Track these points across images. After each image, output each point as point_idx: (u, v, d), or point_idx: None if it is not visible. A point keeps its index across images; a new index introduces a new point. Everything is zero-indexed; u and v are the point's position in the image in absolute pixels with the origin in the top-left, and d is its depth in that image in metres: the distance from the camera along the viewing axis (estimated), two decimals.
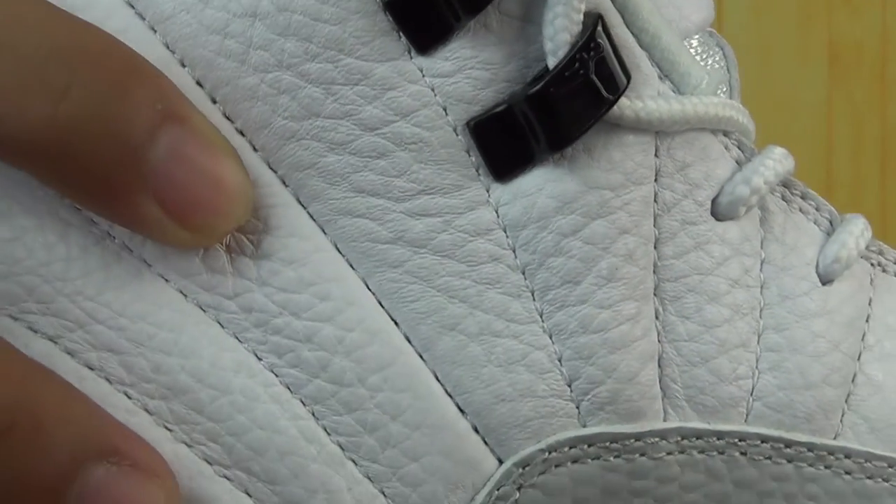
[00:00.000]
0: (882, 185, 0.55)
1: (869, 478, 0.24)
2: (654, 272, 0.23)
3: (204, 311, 0.22)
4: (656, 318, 0.23)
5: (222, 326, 0.22)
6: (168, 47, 0.22)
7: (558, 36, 0.22)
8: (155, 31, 0.22)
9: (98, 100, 0.21)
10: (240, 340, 0.22)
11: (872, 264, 0.26)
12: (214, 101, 0.22)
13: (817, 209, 0.25)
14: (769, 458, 0.24)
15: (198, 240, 0.22)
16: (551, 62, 0.22)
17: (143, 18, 0.22)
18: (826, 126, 0.54)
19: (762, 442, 0.24)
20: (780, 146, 0.25)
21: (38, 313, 0.22)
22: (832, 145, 0.54)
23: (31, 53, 0.21)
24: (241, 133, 0.22)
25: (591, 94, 0.22)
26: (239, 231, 0.22)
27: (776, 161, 0.25)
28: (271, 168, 0.23)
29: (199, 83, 0.22)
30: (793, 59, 0.54)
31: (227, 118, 0.22)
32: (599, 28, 0.22)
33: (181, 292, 0.22)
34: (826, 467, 0.24)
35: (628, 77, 0.23)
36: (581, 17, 0.22)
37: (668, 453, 0.23)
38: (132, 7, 0.22)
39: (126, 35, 0.22)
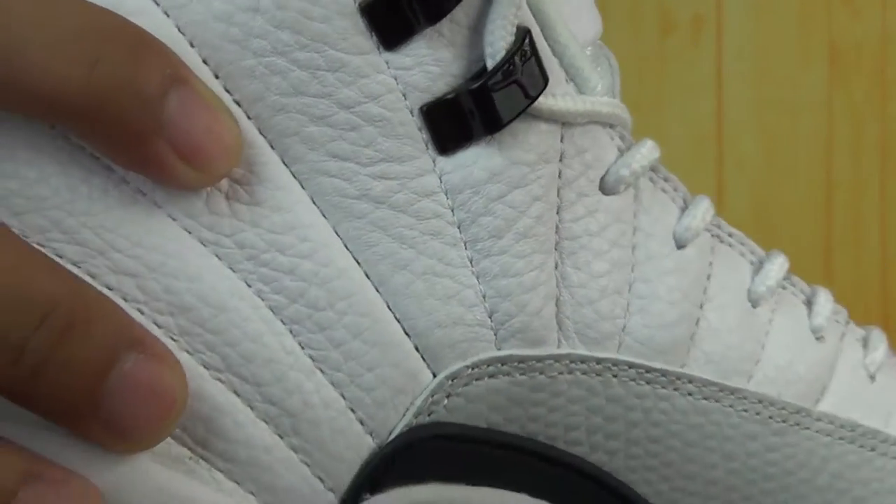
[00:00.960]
0: (882, 185, 0.53)
1: (705, 399, 0.31)
2: (556, 232, 0.29)
3: (205, 245, 0.27)
4: (556, 268, 0.29)
5: (219, 259, 0.27)
6: (180, 30, 0.26)
7: (496, 44, 0.28)
8: (168, 16, 0.26)
9: (121, 67, 0.25)
10: (234, 270, 0.27)
11: (713, 235, 0.32)
12: (217, 77, 0.27)
13: (675, 189, 0.32)
14: (633, 380, 0.30)
15: (201, 178, 0.26)
16: (490, 64, 0.28)
17: (158, 4, 0.27)
18: (826, 126, 0.52)
19: (629, 367, 0.30)
20: (664, 147, 0.31)
21: (64, 241, 0.26)
22: (832, 145, 0.52)
23: (69, 30, 0.25)
24: (238, 104, 0.27)
25: (519, 91, 0.28)
26: (236, 182, 0.27)
27: (648, 151, 0.31)
28: (262, 134, 0.27)
29: (205, 62, 0.27)
30: (793, 59, 0.52)
31: (227, 91, 0.27)
32: (528, 40, 0.28)
33: (186, 230, 0.27)
34: (675, 389, 0.30)
35: (546, 79, 0.29)
36: (514, 29, 0.28)
37: (560, 373, 0.29)
38: None
39: (142, 16, 0.26)
